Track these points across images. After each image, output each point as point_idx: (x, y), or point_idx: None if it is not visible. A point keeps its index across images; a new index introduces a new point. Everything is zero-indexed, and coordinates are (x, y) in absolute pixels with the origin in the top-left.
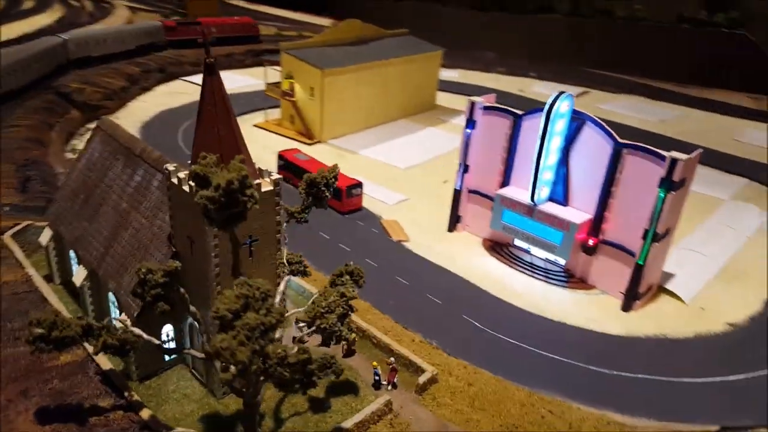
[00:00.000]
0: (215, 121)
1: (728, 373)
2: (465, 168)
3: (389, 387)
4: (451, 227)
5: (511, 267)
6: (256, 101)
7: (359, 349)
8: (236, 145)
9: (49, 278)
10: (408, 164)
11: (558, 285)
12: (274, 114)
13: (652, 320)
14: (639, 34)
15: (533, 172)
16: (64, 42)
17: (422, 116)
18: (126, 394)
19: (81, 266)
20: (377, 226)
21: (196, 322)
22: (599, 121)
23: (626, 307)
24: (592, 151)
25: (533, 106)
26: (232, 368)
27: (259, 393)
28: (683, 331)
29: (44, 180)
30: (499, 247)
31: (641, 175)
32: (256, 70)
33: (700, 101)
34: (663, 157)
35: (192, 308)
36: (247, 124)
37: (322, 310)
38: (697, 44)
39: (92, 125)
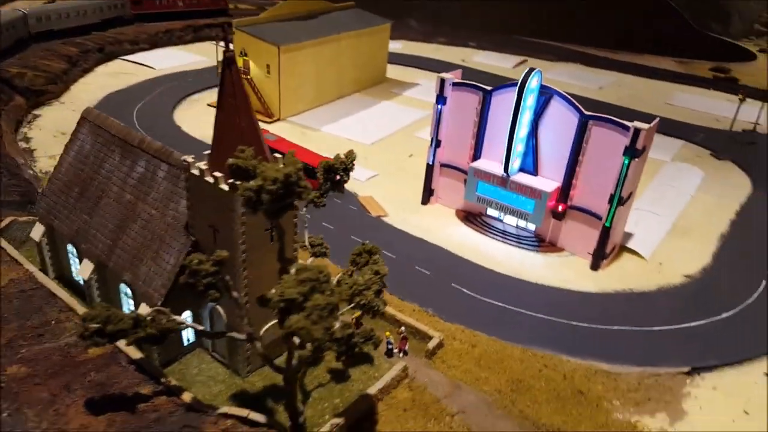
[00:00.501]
0: (237, 112)
1: (690, 320)
2: (437, 143)
3: (401, 354)
4: (425, 200)
5: (486, 235)
6: (206, 79)
7: (365, 321)
8: (257, 136)
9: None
10: (372, 140)
11: (531, 250)
12: None
13: (618, 277)
14: (572, 2)
15: (506, 145)
16: (24, 16)
17: (375, 90)
18: (163, 380)
19: (86, 260)
20: (354, 203)
21: (219, 307)
22: (566, 95)
23: (595, 266)
24: (560, 124)
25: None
26: (309, 345)
27: (301, 369)
28: (647, 285)
29: (9, 172)
30: (472, 217)
31: (606, 145)
32: (199, 46)
33: (631, 67)
34: (627, 128)
35: (234, 294)
36: (201, 104)
37: (361, 288)
38: (625, 11)
39: (38, 111)
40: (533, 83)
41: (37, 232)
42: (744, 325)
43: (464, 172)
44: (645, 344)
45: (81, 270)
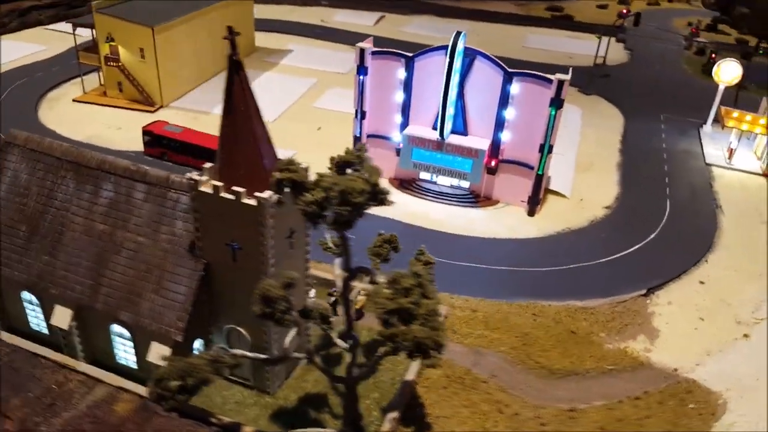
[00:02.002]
0: (250, 120)
1: (627, 246)
2: (362, 114)
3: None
4: None
5: (424, 199)
6: (59, 71)
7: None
8: (270, 142)
9: None
10: (272, 116)
11: (470, 206)
12: (91, 82)
13: (552, 219)
14: None
15: (440, 109)
16: None
17: (249, 61)
18: (214, 419)
19: (59, 307)
20: None
21: (241, 328)
22: (488, 55)
23: (531, 212)
24: (485, 83)
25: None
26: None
27: (369, 376)
28: (579, 222)
29: None
30: (407, 184)
31: (532, 98)
32: (30, 33)
33: (479, 13)
34: (549, 80)
35: (293, 314)
36: (65, 101)
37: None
38: None
39: None
40: (460, 46)
41: None
42: (668, 242)
43: (392, 140)
44: (600, 276)
45: (56, 319)
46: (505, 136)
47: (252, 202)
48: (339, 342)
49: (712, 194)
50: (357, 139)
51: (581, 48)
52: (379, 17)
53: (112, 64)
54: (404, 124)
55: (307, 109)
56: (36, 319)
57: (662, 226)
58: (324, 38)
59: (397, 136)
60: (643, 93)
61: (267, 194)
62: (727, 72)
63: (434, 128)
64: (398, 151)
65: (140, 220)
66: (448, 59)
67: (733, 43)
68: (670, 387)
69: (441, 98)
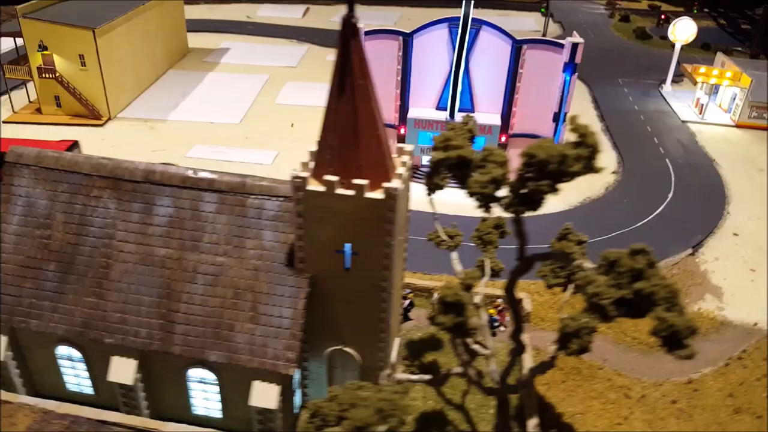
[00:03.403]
0: (369, 98)
1: (654, 209)
2: None
3: (502, 328)
4: None
5: None
6: None
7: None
8: (383, 123)
9: None
10: (238, 117)
11: None
12: (19, 99)
13: (569, 191)
14: None
15: (451, 86)
16: None
17: (187, 63)
18: None
19: (118, 358)
20: None
21: (349, 348)
22: (495, 24)
23: None
24: (493, 54)
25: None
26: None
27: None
28: (595, 191)
29: None
30: (412, 172)
31: (543, 66)
32: None
33: None
34: (561, 45)
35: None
36: None
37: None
38: None
39: None
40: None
41: None
42: (686, 200)
43: (392, 126)
44: (643, 241)
45: (115, 374)
46: (515, 108)
47: (378, 195)
48: (479, 348)
49: (700, 149)
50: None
51: (517, 25)
52: (305, 9)
53: (47, 75)
54: (404, 108)
55: (271, 107)
56: (76, 379)
57: (674, 186)
58: (257, 34)
59: (395, 122)
60: (591, 61)
61: (395, 184)
62: (683, 30)
63: (439, 108)
64: (400, 138)
65: (216, 236)
66: (460, 30)
67: (646, 9)
68: (760, 342)
69: (451, 74)
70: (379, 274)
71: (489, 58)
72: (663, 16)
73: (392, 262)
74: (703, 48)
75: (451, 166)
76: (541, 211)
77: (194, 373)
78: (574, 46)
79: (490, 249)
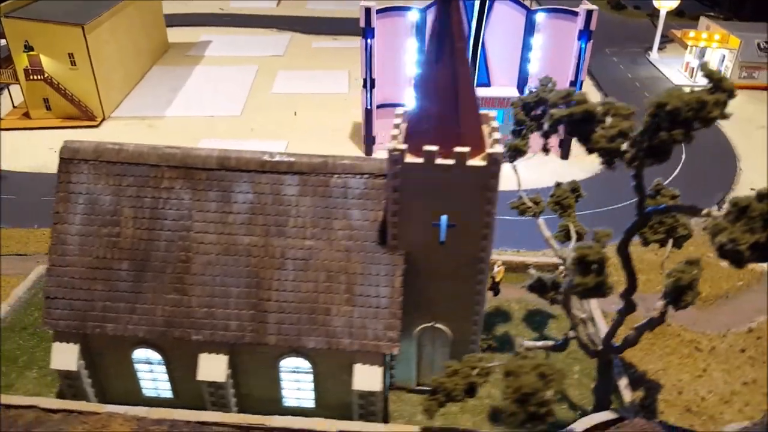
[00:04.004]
0: (466, 61)
1: (672, 170)
2: (372, 83)
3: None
4: (369, 150)
5: None
6: None
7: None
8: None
9: None
10: (238, 109)
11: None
12: (2, 105)
13: (586, 159)
14: None
15: (470, 60)
16: None
17: (170, 58)
18: None
19: (207, 356)
20: None
21: (441, 325)
22: None
23: (565, 155)
24: (507, 25)
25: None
26: None
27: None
28: None
29: None
30: None
31: (558, 35)
32: None
33: None
34: (575, 13)
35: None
36: None
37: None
38: None
39: None
40: None
41: (66, 356)
42: (700, 159)
43: (404, 106)
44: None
45: (205, 372)
46: (532, 80)
47: (480, 162)
48: (577, 312)
49: None
50: (369, 112)
51: None
52: (278, 1)
53: (34, 77)
54: None
55: (268, 97)
56: (153, 383)
57: (684, 147)
58: (234, 25)
59: (411, 102)
60: None
61: (498, 149)
62: None
63: None
64: None
65: (301, 220)
66: (479, 2)
67: None
68: None
69: (468, 48)
70: (477, 244)
71: (503, 30)
72: None
73: (492, 232)
74: (677, 15)
75: (574, 122)
76: (564, 179)
77: (287, 362)
78: (589, 13)
79: (570, 213)
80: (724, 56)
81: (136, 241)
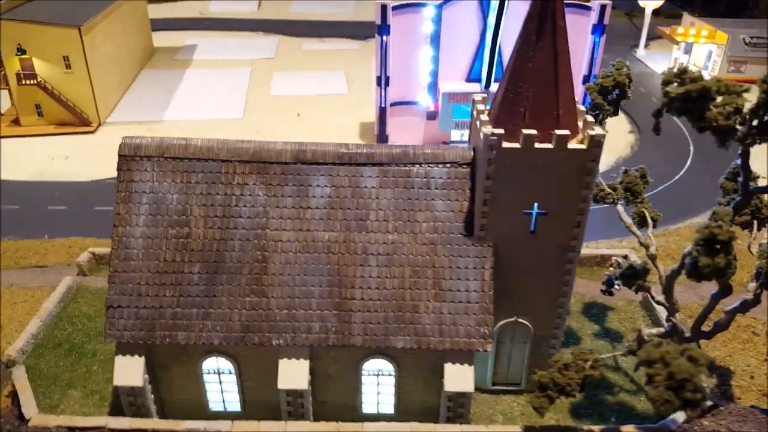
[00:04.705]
0: (566, 40)
1: (683, 164)
2: (386, 81)
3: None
4: None
5: None
6: None
7: None
8: None
9: None
10: (239, 112)
11: None
12: None
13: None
14: None
15: (487, 56)
16: None
17: (158, 62)
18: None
19: (287, 360)
20: None
21: (523, 319)
22: None
23: None
24: (521, 19)
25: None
26: None
27: None
28: (622, 150)
29: None
30: None
31: (572, 29)
32: None
33: None
34: (588, 8)
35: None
36: None
37: None
38: None
39: None
40: None
41: (131, 371)
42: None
43: (419, 105)
44: (693, 188)
45: (286, 379)
46: None
47: (580, 146)
48: (662, 300)
49: None
50: (383, 110)
51: None
52: (259, 2)
53: (27, 82)
54: (434, 84)
55: (268, 99)
56: (220, 395)
57: (689, 135)
58: (218, 29)
59: (425, 100)
60: None
61: (599, 131)
62: None
63: (470, 80)
64: (430, 115)
65: (383, 213)
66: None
67: None
68: None
69: (483, 44)
70: (569, 233)
71: (518, 25)
72: None
73: (585, 219)
74: (654, 14)
75: (690, 100)
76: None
77: (369, 365)
78: (603, 7)
79: (642, 199)
80: (711, 51)
81: (208, 242)
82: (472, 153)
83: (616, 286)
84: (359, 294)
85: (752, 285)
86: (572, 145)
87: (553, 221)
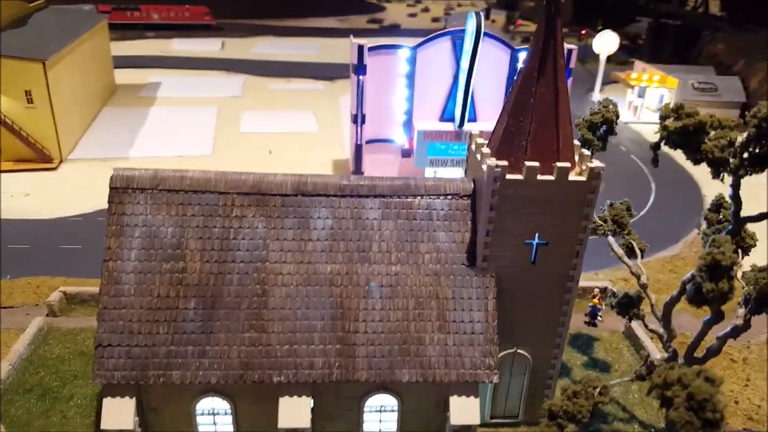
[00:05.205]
0: (565, 78)
1: (643, 207)
2: (362, 119)
3: (600, 318)
4: None
5: None
6: None
7: None
8: None
9: None
10: (208, 149)
11: None
12: None
13: None
14: None
15: (461, 96)
16: None
17: (120, 99)
18: None
19: (288, 399)
20: None
21: (522, 350)
22: (492, 33)
23: None
24: (492, 63)
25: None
26: None
27: None
28: None
29: None
30: None
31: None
32: None
33: (312, 31)
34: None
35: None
36: None
37: None
38: None
39: None
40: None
41: (120, 414)
42: (671, 193)
43: (394, 143)
44: (657, 220)
45: (287, 418)
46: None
47: (580, 177)
48: (656, 327)
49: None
50: (359, 148)
51: None
52: (222, 42)
53: None
54: (408, 122)
55: (238, 136)
56: None
57: (649, 175)
58: (181, 67)
59: (400, 138)
60: None
61: (598, 164)
62: (609, 42)
63: (443, 119)
64: (405, 152)
65: (385, 244)
66: (473, 41)
67: None
68: None
69: (456, 85)
70: (568, 263)
71: (488, 67)
72: (583, 31)
73: (584, 249)
74: (606, 60)
75: (686, 133)
76: None
77: (372, 402)
78: (569, 51)
79: (629, 230)
80: (662, 95)
81: (205, 276)
82: (472, 185)
83: (599, 318)
84: (363, 327)
85: (741, 311)
86: (572, 177)
87: (553, 251)
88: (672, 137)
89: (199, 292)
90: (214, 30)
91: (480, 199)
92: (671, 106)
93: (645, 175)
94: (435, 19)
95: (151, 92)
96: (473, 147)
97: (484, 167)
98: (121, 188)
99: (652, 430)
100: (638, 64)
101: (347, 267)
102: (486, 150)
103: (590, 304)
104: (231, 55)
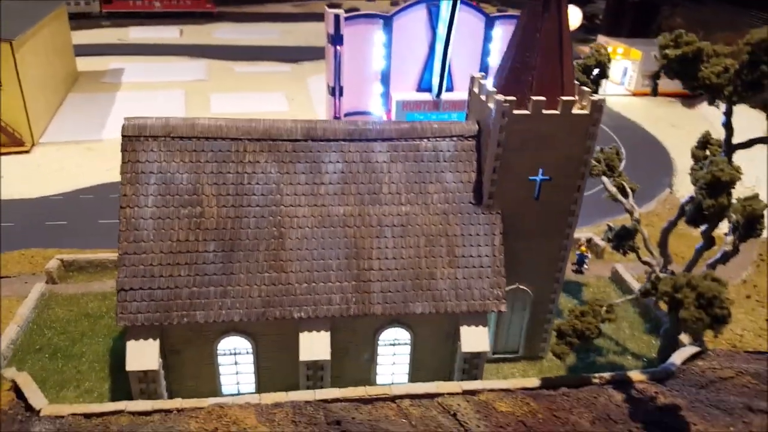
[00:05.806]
0: (567, 10)
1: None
2: (340, 90)
3: (585, 266)
4: None
5: None
6: None
7: None
8: None
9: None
10: None
11: None
12: None
13: None
14: None
15: (438, 65)
16: None
17: (84, 85)
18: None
19: (308, 334)
20: None
21: (525, 287)
22: (467, 1)
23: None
24: (467, 31)
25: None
26: None
27: None
28: None
29: None
30: None
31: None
32: None
33: (273, 16)
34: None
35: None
36: None
37: None
38: None
39: None
40: None
41: (144, 355)
42: (651, 162)
43: (373, 115)
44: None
45: (308, 351)
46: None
47: (583, 111)
48: (649, 259)
49: (618, 114)
50: (336, 120)
51: None
52: (180, 29)
53: None
54: (386, 93)
55: (210, 116)
56: (234, 378)
57: (620, 141)
58: (141, 54)
59: (377, 109)
60: None
61: (599, 96)
62: (573, 17)
63: (420, 89)
64: None
65: (395, 186)
66: (450, 9)
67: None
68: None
69: (433, 54)
70: (570, 197)
71: (463, 36)
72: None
73: (585, 183)
74: None
75: (685, 61)
76: None
77: (386, 335)
78: None
79: (620, 173)
80: (626, 68)
81: (222, 220)
82: (477, 126)
83: (586, 265)
84: (377, 264)
85: (730, 238)
86: (576, 110)
87: (556, 186)
88: (672, 65)
89: (217, 235)
90: (215, 18)
91: (486, 138)
92: (672, 36)
93: (615, 140)
94: (394, 3)
95: (115, 78)
96: (476, 89)
97: (491, 105)
98: (134, 136)
99: (644, 359)
100: (601, 38)
101: (359, 209)
102: (491, 88)
103: (578, 252)
104: (190, 41)
